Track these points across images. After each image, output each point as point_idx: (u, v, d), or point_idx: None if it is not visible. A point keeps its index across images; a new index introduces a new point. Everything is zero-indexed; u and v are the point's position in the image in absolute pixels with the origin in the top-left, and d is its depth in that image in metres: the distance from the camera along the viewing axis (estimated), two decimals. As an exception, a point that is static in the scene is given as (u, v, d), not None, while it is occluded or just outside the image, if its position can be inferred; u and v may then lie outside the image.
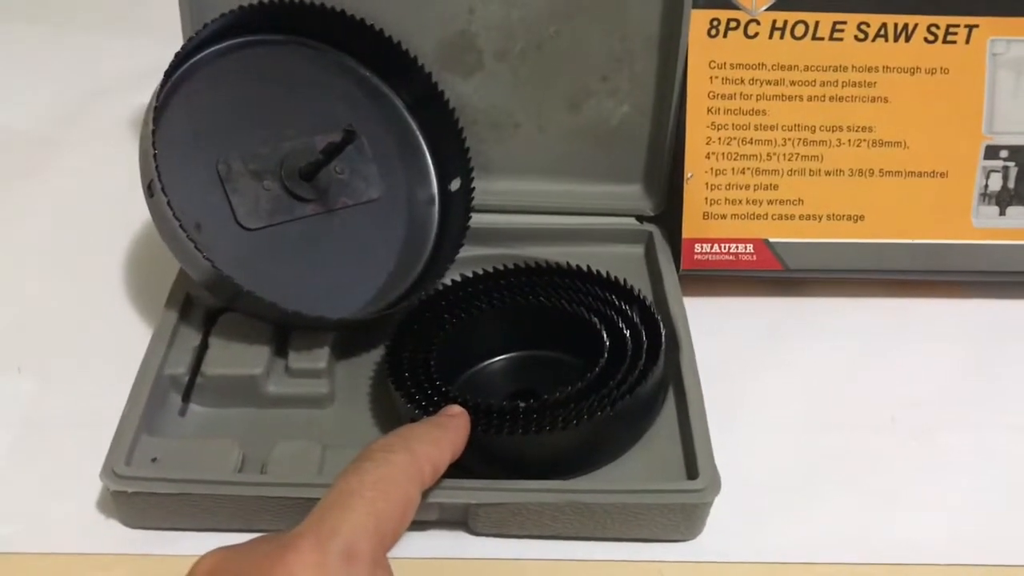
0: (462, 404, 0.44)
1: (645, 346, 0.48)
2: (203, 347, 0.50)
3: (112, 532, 0.45)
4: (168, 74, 0.49)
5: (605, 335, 0.49)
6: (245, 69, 0.53)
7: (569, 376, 0.47)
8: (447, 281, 0.53)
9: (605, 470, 0.46)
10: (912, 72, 0.57)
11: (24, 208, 0.66)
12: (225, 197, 0.51)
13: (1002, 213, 0.58)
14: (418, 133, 0.58)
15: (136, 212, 0.57)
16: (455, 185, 0.57)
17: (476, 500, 0.43)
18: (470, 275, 0.53)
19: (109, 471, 0.44)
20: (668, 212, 0.59)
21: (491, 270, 0.53)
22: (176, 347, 0.50)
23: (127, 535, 0.45)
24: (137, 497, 0.44)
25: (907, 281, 0.59)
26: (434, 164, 0.58)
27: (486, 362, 0.52)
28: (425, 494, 0.40)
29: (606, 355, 0.48)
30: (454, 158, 0.57)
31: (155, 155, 0.46)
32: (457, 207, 0.57)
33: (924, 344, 0.56)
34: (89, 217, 0.64)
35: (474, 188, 0.56)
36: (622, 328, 0.49)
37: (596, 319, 0.50)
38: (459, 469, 0.43)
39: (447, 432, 0.41)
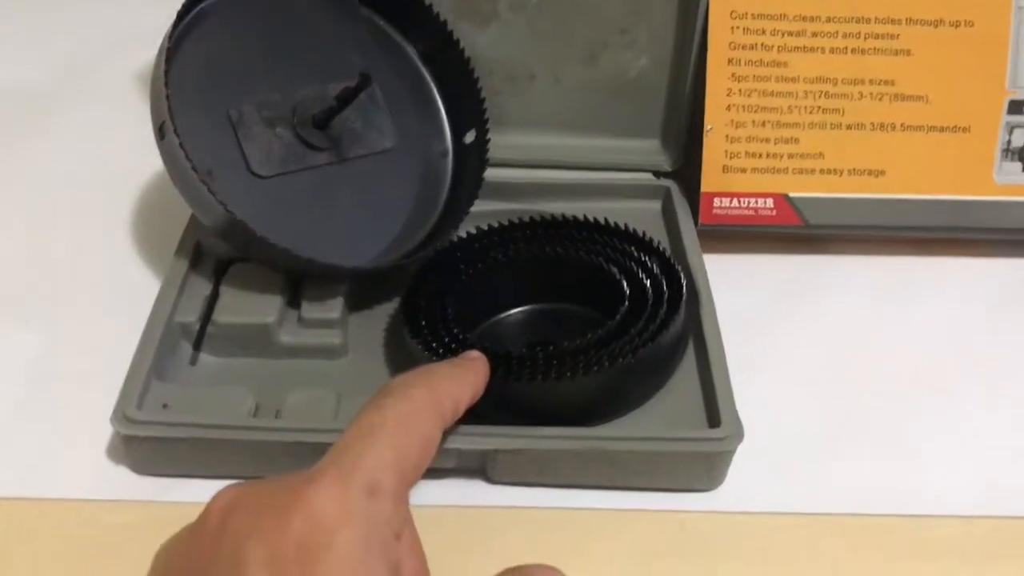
0: (481, 351, 0.43)
1: (666, 295, 0.47)
2: (214, 296, 0.49)
3: (122, 478, 0.44)
4: (180, 15, 0.48)
5: (625, 284, 0.48)
6: (258, 14, 0.52)
7: (587, 329, 0.46)
8: (462, 233, 0.52)
9: (626, 419, 0.45)
10: (935, 25, 0.55)
11: (32, 159, 0.65)
12: (237, 144, 0.50)
13: (1025, 170, 0.57)
14: (432, 84, 0.56)
15: (146, 163, 0.56)
16: (469, 138, 0.56)
17: (495, 446, 0.43)
18: (485, 228, 0.52)
19: (120, 415, 0.43)
20: (686, 167, 0.58)
21: (506, 223, 0.52)
22: (187, 295, 0.49)
23: (137, 482, 0.44)
24: (148, 442, 0.43)
25: (928, 238, 0.58)
26: (448, 116, 0.56)
27: (503, 314, 0.51)
28: (444, 437, 0.39)
29: (626, 303, 0.47)
30: (469, 110, 0.56)
31: (168, 95, 0.45)
32: (472, 160, 0.56)
33: (945, 301, 0.56)
34: (98, 168, 0.63)
35: (489, 140, 0.55)
36: (642, 278, 0.48)
37: (615, 269, 0.49)
38: (478, 418, 0.42)
39: (467, 372, 0.40)
